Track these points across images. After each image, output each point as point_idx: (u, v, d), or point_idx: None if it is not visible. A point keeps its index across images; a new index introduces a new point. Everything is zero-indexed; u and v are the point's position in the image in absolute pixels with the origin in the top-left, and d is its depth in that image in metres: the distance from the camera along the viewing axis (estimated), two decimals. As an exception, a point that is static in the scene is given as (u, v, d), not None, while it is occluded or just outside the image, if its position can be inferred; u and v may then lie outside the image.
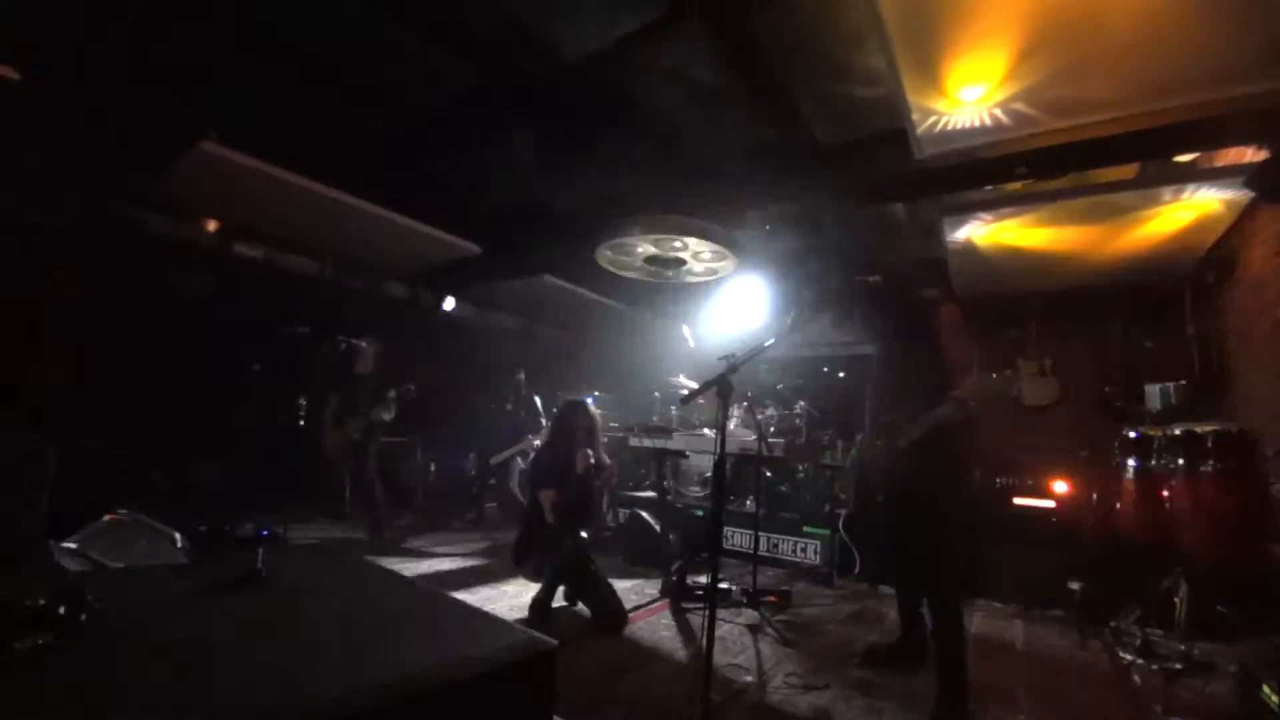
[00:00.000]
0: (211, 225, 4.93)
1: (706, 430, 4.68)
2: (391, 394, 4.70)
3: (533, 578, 3.21)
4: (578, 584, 3.09)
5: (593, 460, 3.33)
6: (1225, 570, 2.84)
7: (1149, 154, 3.32)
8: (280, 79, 3.61)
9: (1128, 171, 3.53)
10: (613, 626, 2.96)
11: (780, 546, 4.46)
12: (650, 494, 5.23)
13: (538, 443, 5.22)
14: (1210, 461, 2.83)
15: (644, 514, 4.49)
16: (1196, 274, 4.41)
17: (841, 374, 5.68)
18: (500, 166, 4.53)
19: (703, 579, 3.67)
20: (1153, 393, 4.31)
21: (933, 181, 3.67)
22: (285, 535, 3.94)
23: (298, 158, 3.96)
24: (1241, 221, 3.71)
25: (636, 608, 3.32)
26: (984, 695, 2.37)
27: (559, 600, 3.10)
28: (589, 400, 5.93)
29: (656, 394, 5.94)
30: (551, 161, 4.37)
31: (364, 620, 1.60)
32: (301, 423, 5.22)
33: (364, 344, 5.01)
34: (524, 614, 2.97)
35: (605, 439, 3.74)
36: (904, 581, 2.74)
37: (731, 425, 4.54)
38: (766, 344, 2.54)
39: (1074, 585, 3.38)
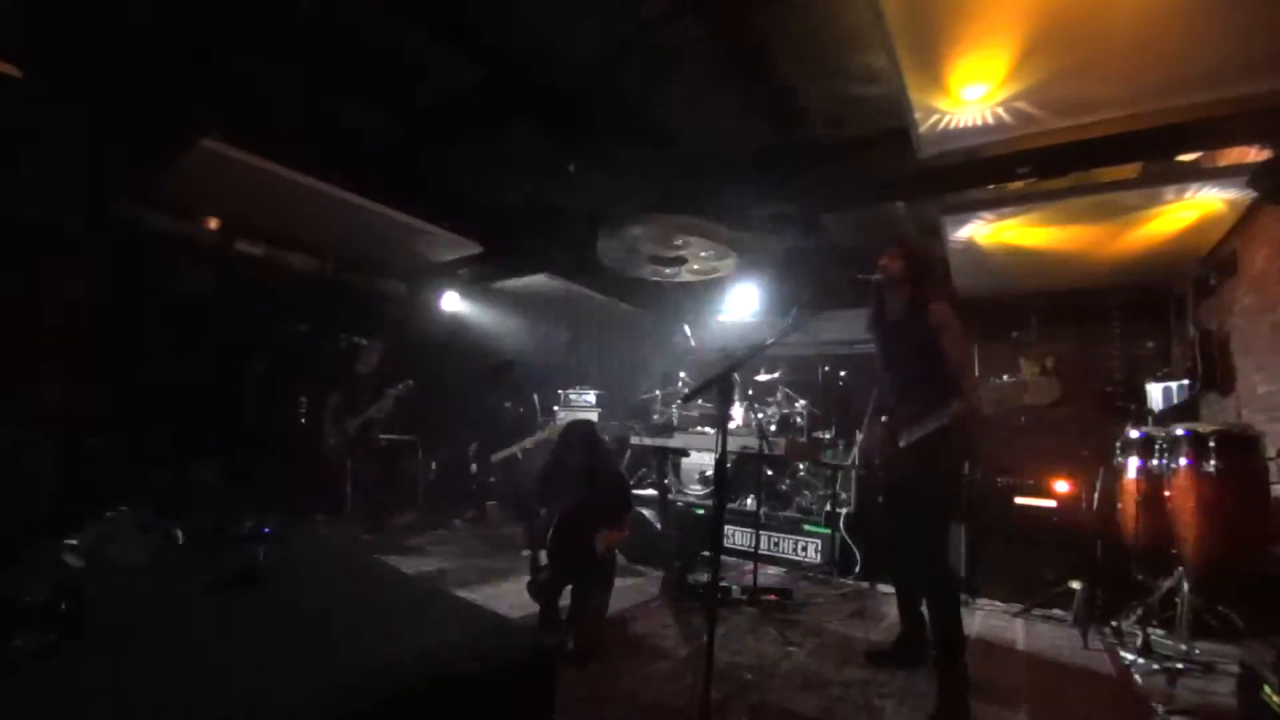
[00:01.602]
0: (212, 223, 4.93)
1: (707, 429, 4.68)
2: (391, 392, 4.70)
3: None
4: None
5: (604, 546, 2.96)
6: (1226, 570, 2.83)
7: (1151, 153, 3.31)
8: (281, 77, 3.60)
9: (1130, 171, 3.53)
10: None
11: (781, 545, 4.46)
12: (651, 492, 5.22)
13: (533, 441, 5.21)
14: (1212, 462, 2.83)
15: (645, 512, 4.49)
16: (1198, 274, 4.40)
17: (842, 373, 5.68)
18: (501, 164, 4.52)
19: (703, 577, 3.67)
20: (1154, 393, 4.31)
21: (934, 180, 3.67)
22: (285, 534, 3.93)
23: (298, 155, 3.95)
24: (1243, 221, 3.71)
25: (637, 606, 3.33)
26: (984, 695, 2.37)
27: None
28: (589, 399, 5.92)
29: (657, 392, 5.94)
30: (552, 160, 4.36)
31: (365, 619, 1.60)
32: (302, 421, 5.22)
33: (367, 343, 5.02)
34: (524, 613, 2.97)
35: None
36: (903, 580, 2.74)
37: (732, 424, 4.54)
38: (767, 342, 2.54)
39: (1075, 585, 3.38)
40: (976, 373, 2.50)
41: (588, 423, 3.44)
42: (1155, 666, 2.63)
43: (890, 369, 2.64)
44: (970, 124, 3.00)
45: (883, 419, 2.64)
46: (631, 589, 3.64)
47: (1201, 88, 2.63)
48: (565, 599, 2.89)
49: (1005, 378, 2.49)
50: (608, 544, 2.90)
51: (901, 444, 2.42)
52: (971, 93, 2.79)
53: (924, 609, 2.58)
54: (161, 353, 4.51)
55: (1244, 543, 2.78)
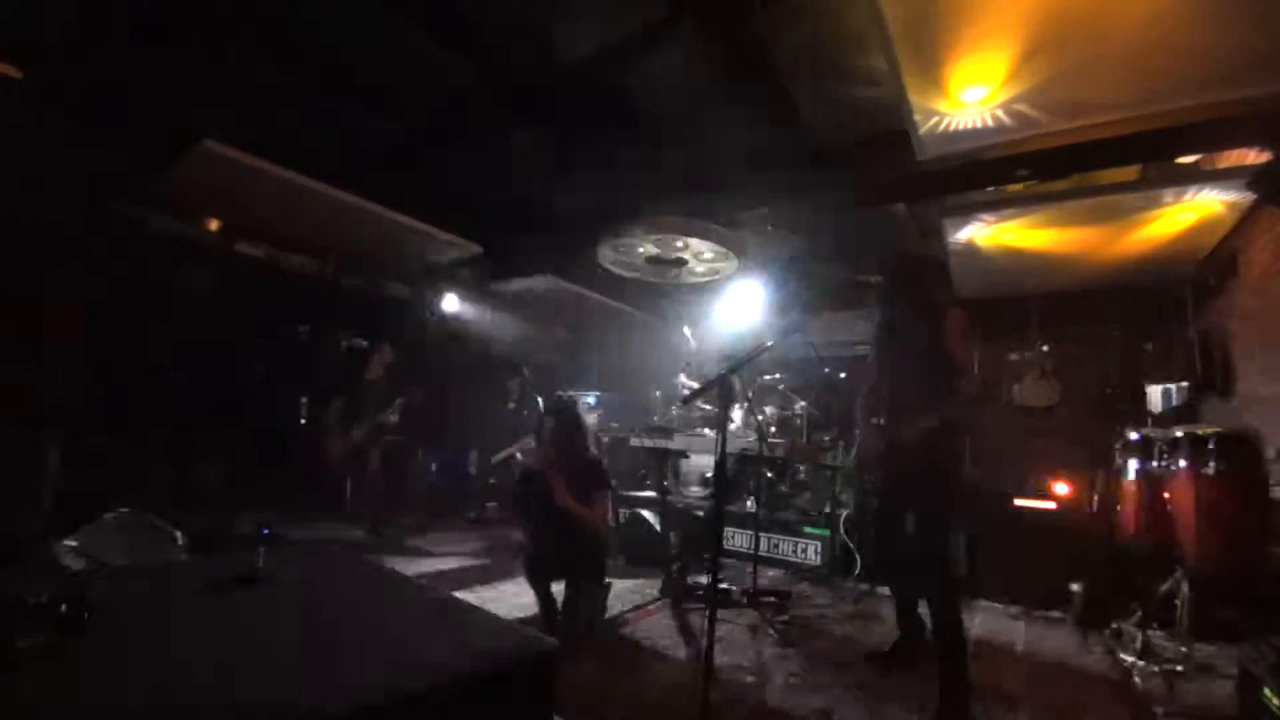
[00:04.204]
0: (213, 224, 4.93)
1: (707, 430, 4.68)
2: (399, 401, 4.71)
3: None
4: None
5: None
6: (1226, 572, 2.83)
7: (1151, 156, 3.31)
8: (282, 78, 3.61)
9: (1130, 173, 3.53)
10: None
11: (780, 547, 4.45)
12: (651, 494, 5.22)
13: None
14: (1211, 463, 2.83)
15: (644, 514, 4.49)
16: (1198, 276, 4.40)
17: (842, 374, 5.68)
18: (502, 166, 4.53)
19: (703, 579, 3.67)
20: (1154, 394, 4.31)
21: (934, 182, 3.67)
22: (286, 535, 3.93)
23: (299, 157, 3.96)
24: (1243, 224, 3.71)
25: (636, 608, 3.33)
26: (984, 697, 2.37)
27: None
28: (589, 401, 5.90)
29: (657, 394, 5.94)
30: (552, 161, 4.37)
31: (364, 620, 1.60)
32: (303, 422, 5.23)
33: (371, 346, 5.02)
34: (524, 614, 2.97)
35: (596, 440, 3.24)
36: (900, 584, 2.73)
37: (732, 425, 4.54)
38: (767, 344, 2.54)
39: (1075, 587, 3.38)
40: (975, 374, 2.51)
41: (567, 399, 3.40)
42: (1155, 668, 2.63)
43: (893, 370, 2.64)
44: (970, 126, 3.00)
45: (877, 421, 2.64)
46: (631, 591, 3.64)
47: (1201, 90, 2.63)
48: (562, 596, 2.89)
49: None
50: (588, 519, 2.87)
51: (906, 437, 2.41)
52: (971, 95, 2.80)
53: (921, 612, 2.58)
54: (163, 353, 4.52)
55: (1244, 545, 2.78)
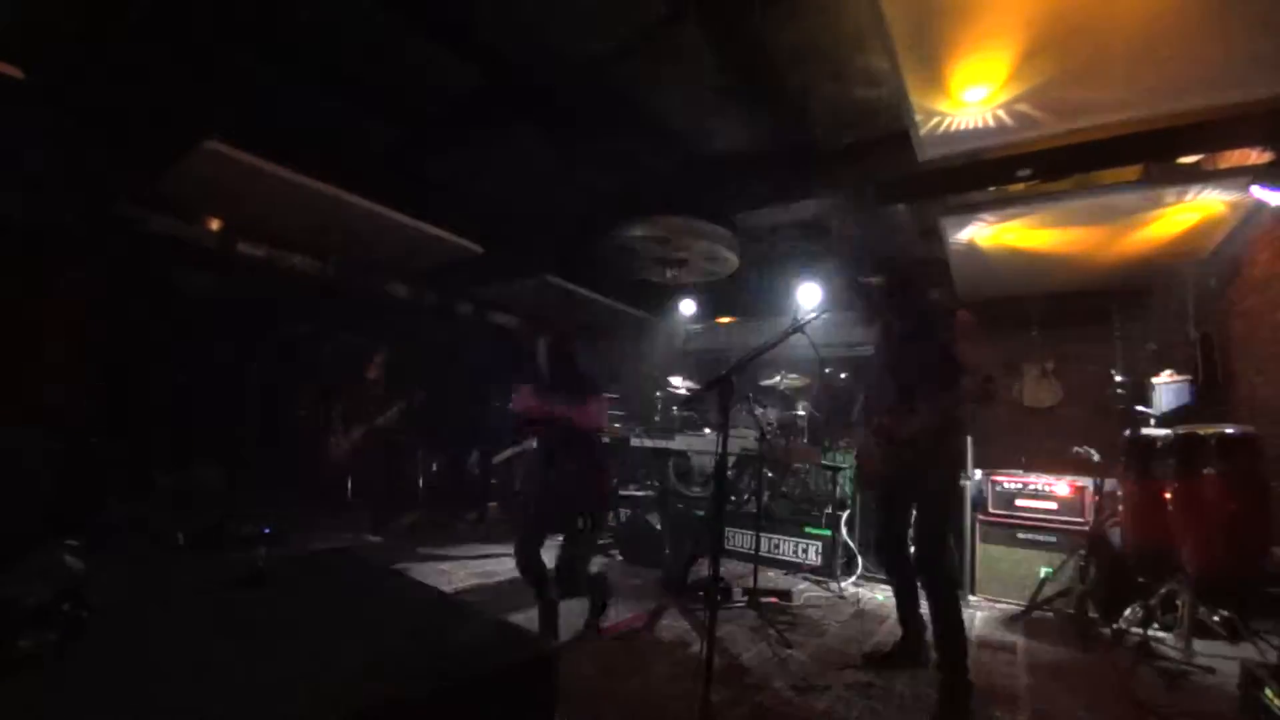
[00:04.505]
0: (214, 224, 4.93)
1: (708, 430, 4.68)
2: (399, 401, 4.71)
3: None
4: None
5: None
6: (1227, 573, 2.83)
7: (1153, 156, 3.31)
8: (282, 78, 3.60)
9: (1131, 173, 3.53)
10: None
11: (781, 547, 4.45)
12: (651, 494, 5.22)
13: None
14: (1212, 464, 2.83)
15: (645, 514, 4.49)
16: (1200, 276, 4.40)
17: (843, 374, 5.67)
18: (502, 166, 4.53)
19: (703, 579, 3.67)
20: (1155, 395, 4.30)
21: (935, 183, 3.67)
22: (287, 535, 3.93)
23: (300, 157, 3.96)
24: (1245, 224, 3.70)
25: (636, 607, 3.32)
26: (985, 697, 2.36)
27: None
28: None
29: (658, 394, 5.94)
30: (553, 161, 4.37)
31: (364, 620, 1.60)
32: (303, 422, 5.22)
33: (373, 347, 5.02)
34: (525, 614, 2.96)
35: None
36: (901, 583, 2.73)
37: (733, 426, 4.54)
38: (768, 344, 2.53)
39: (1076, 587, 3.37)
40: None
41: (565, 327, 3.32)
42: (1156, 668, 2.63)
43: (897, 371, 2.63)
44: (971, 126, 3.00)
45: (878, 421, 2.64)
46: (631, 590, 3.64)
47: (1203, 90, 2.63)
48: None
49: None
50: (580, 420, 2.80)
51: (903, 434, 2.41)
52: (972, 95, 2.80)
53: (922, 612, 2.57)
54: (163, 353, 4.52)
55: (1244, 545, 2.78)
